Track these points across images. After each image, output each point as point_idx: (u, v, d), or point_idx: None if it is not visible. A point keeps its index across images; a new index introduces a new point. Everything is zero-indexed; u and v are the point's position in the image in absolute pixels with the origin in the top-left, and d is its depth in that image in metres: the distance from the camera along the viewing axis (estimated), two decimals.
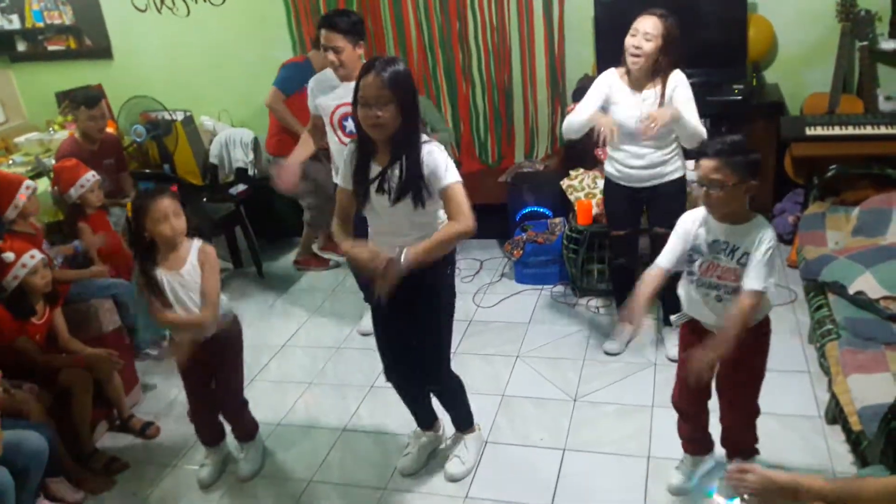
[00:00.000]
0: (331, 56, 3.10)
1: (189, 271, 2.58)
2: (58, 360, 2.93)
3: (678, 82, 2.91)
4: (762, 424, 2.72)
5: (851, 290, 2.90)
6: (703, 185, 2.09)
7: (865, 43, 3.84)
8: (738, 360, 2.19)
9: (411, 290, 2.32)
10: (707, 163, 2.07)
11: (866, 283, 2.88)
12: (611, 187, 3.19)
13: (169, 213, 2.51)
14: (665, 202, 3.06)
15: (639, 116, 2.90)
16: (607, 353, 3.38)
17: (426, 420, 2.83)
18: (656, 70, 2.88)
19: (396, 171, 2.21)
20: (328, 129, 3.28)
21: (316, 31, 3.23)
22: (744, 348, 2.16)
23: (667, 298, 3.19)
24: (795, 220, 3.94)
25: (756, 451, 2.45)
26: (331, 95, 3.21)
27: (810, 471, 2.53)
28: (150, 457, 3.06)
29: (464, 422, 2.81)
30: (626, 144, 3.02)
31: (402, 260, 2.19)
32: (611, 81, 3.00)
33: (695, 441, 2.52)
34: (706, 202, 2.13)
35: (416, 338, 2.50)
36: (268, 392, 3.15)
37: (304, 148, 3.39)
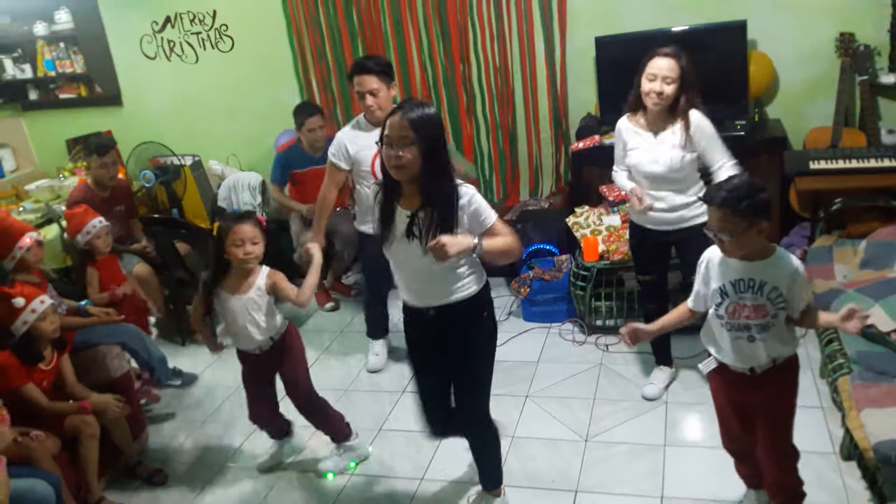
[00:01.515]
0: (368, 100, 3.14)
1: (258, 291, 2.74)
2: (64, 407, 2.92)
3: (696, 124, 2.85)
4: None
5: None
6: (713, 233, 2.06)
7: (865, 77, 3.87)
8: (773, 395, 2.18)
9: (449, 335, 2.32)
10: (713, 212, 2.03)
11: (877, 317, 2.86)
12: (635, 231, 3.12)
13: (247, 238, 2.67)
14: (694, 247, 2.90)
15: (656, 159, 2.88)
16: (645, 398, 3.28)
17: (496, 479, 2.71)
18: (673, 110, 2.84)
19: (428, 218, 2.18)
20: (363, 176, 3.32)
21: (349, 80, 3.29)
22: (778, 384, 2.16)
23: (658, 341, 3.24)
24: (803, 254, 3.93)
25: (803, 495, 2.34)
26: (368, 144, 3.20)
27: None
28: None
29: (491, 479, 2.68)
30: (646, 188, 2.97)
31: (477, 244, 2.16)
32: (623, 130, 2.99)
33: (754, 476, 2.44)
34: (720, 248, 2.11)
35: (456, 382, 2.45)
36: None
37: (321, 216, 3.48)
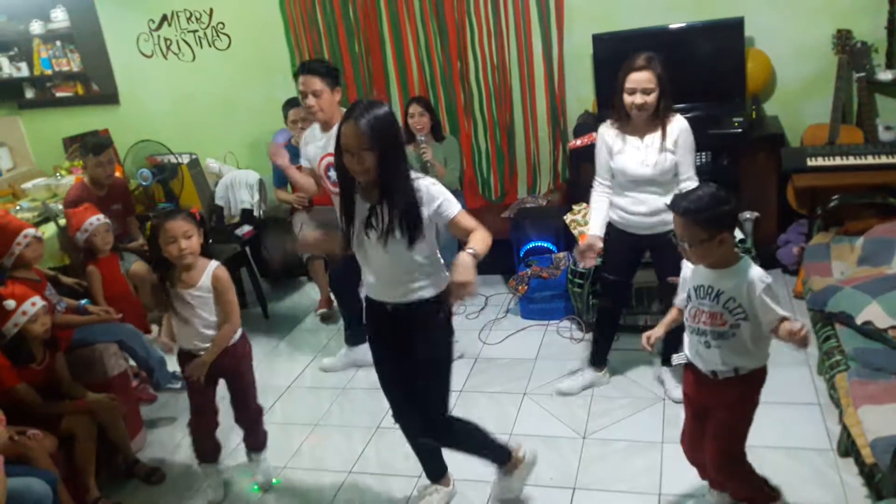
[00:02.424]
0: (310, 100, 3.15)
1: (201, 289, 2.70)
2: (58, 406, 2.90)
3: (682, 129, 2.90)
4: (773, 458, 2.70)
5: (859, 321, 2.88)
6: (677, 240, 2.10)
7: (863, 74, 3.87)
8: (730, 404, 2.21)
9: (404, 333, 2.33)
10: (676, 220, 2.07)
11: (874, 313, 2.86)
12: (613, 232, 3.13)
13: (178, 234, 2.62)
14: (671, 251, 3.03)
15: (643, 161, 2.91)
16: (561, 394, 3.36)
17: (434, 471, 2.75)
18: (655, 114, 2.88)
19: (387, 210, 2.20)
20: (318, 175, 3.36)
21: (294, 79, 3.30)
22: (736, 395, 2.18)
23: (670, 339, 3.23)
24: (800, 251, 3.93)
25: (773, 498, 2.36)
26: (316, 146, 3.28)
27: None
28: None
29: (497, 458, 2.65)
30: (629, 191, 3.00)
31: (473, 255, 2.15)
32: (606, 137, 3.03)
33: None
34: (684, 254, 2.14)
35: (411, 379, 2.45)
36: (273, 434, 3.13)
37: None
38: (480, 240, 2.22)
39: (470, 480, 2.82)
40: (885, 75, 3.94)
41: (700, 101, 4.10)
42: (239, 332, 2.84)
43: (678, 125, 2.90)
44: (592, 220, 3.11)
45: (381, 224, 2.21)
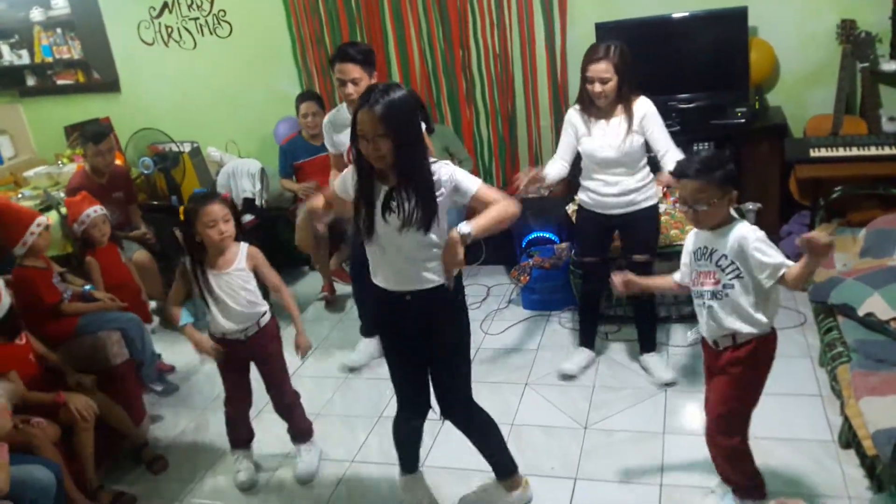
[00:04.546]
0: (349, 88, 3.10)
1: (240, 270, 2.74)
2: (40, 397, 2.82)
3: (646, 111, 3.01)
4: (774, 450, 2.71)
5: (861, 312, 2.88)
6: (688, 205, 2.14)
7: (867, 64, 3.86)
8: (730, 377, 2.23)
9: (422, 321, 2.32)
10: (690, 184, 2.12)
11: (876, 305, 2.87)
12: (583, 214, 3.25)
13: (218, 218, 2.64)
14: (639, 230, 3.16)
15: (609, 143, 3.01)
16: (564, 376, 3.43)
17: (410, 464, 2.75)
18: (619, 98, 3.00)
19: (405, 194, 2.17)
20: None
21: (329, 66, 3.25)
22: (735, 370, 2.21)
23: (644, 327, 3.39)
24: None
25: (761, 495, 2.38)
26: (346, 132, 3.21)
27: (825, 497, 2.50)
28: (157, 491, 3.04)
29: (501, 467, 2.63)
30: (598, 174, 3.11)
31: (467, 233, 2.15)
32: (574, 120, 3.13)
33: None
34: (693, 220, 2.17)
35: (433, 368, 2.45)
36: (275, 424, 3.14)
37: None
38: (485, 216, 2.23)
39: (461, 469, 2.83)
40: (889, 66, 3.92)
41: (703, 90, 4.09)
42: (269, 312, 2.87)
43: (642, 107, 3.02)
44: (550, 170, 3.17)
45: (400, 209, 2.18)
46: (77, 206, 3.64)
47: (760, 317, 2.16)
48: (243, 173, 4.88)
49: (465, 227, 2.16)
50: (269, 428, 3.21)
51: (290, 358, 2.99)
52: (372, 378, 3.67)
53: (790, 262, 2.06)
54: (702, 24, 4.06)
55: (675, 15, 4.07)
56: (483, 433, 2.58)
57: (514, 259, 4.26)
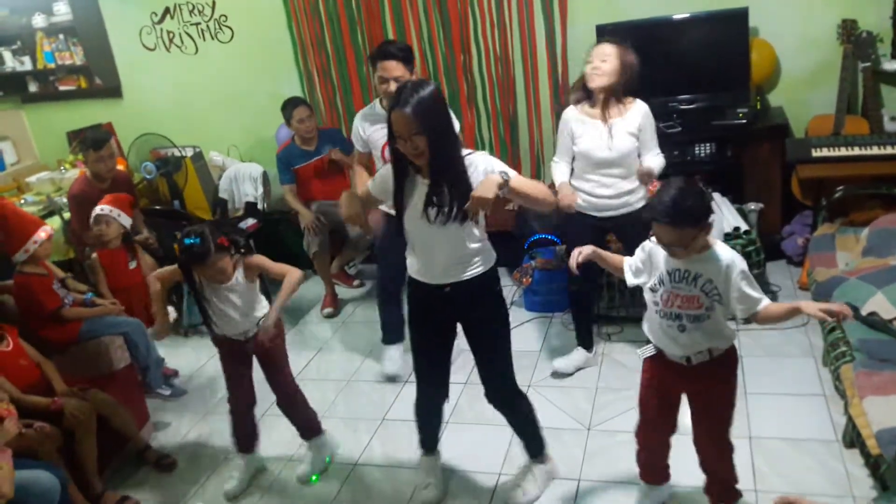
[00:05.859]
0: (392, 86, 3.06)
1: (237, 283, 2.72)
2: (35, 401, 2.82)
3: (644, 114, 3.01)
4: (778, 450, 2.71)
5: (864, 312, 2.88)
6: (663, 244, 2.09)
7: (868, 64, 3.85)
8: (711, 390, 2.23)
9: (461, 312, 2.39)
10: (661, 229, 2.05)
11: (879, 304, 2.86)
12: (576, 217, 3.18)
13: (214, 271, 2.64)
14: (634, 231, 3.08)
15: (606, 144, 3.00)
16: (557, 372, 3.45)
17: (431, 443, 2.79)
18: (617, 98, 2.98)
19: (444, 188, 2.22)
20: (378, 161, 3.35)
21: (371, 65, 3.24)
22: (716, 379, 2.22)
23: (581, 323, 3.45)
24: (805, 242, 3.93)
25: (739, 494, 2.41)
26: (380, 128, 3.22)
27: (829, 496, 2.49)
28: (161, 495, 3.04)
29: (535, 447, 2.74)
30: (592, 174, 3.10)
31: (506, 178, 2.19)
32: (570, 119, 3.10)
33: (655, 471, 2.53)
34: (671, 255, 2.12)
35: (479, 358, 2.53)
36: (279, 427, 3.15)
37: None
38: (526, 181, 2.29)
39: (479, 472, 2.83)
40: (890, 65, 3.92)
41: (704, 91, 4.08)
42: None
43: (640, 109, 3.01)
44: (559, 174, 3.17)
45: (441, 203, 2.23)
46: (107, 201, 3.69)
47: (730, 330, 2.19)
48: (245, 177, 4.90)
49: (503, 172, 2.22)
50: (271, 431, 3.22)
51: (294, 359, 2.99)
52: (375, 381, 3.67)
53: (768, 300, 2.07)
54: (702, 24, 4.06)
55: (676, 16, 4.07)
56: (526, 417, 2.67)
57: (516, 261, 4.26)
